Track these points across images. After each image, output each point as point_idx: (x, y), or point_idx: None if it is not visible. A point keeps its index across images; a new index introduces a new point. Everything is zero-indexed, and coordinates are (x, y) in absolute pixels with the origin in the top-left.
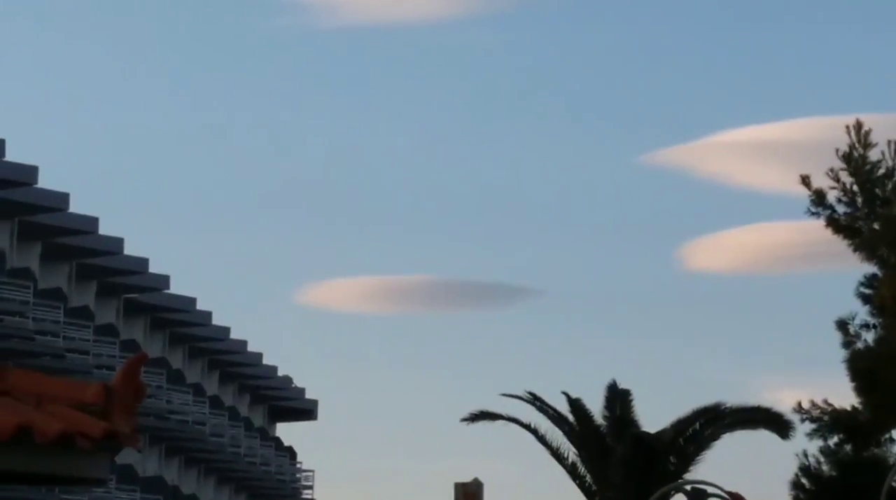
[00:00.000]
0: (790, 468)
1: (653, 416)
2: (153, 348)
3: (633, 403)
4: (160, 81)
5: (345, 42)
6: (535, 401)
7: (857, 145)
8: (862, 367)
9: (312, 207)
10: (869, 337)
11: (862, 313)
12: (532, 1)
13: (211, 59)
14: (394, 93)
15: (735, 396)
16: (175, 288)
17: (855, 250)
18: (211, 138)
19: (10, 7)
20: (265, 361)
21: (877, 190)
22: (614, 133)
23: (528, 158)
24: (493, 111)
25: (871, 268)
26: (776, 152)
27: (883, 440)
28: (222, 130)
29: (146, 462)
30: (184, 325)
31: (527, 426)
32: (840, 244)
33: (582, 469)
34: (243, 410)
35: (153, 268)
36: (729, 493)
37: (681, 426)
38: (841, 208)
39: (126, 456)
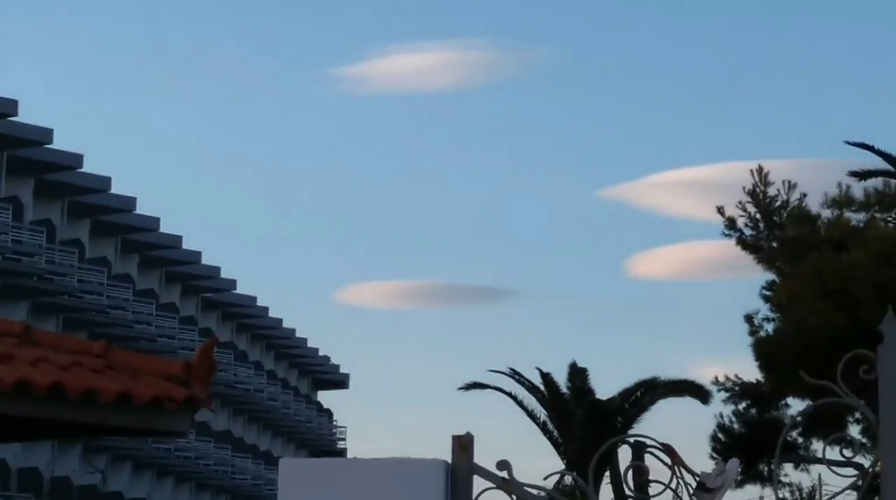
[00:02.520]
0: (709, 426)
1: (604, 386)
2: (224, 334)
3: (590, 377)
4: (218, 131)
5: (374, 106)
6: (515, 375)
7: (759, 184)
8: (764, 350)
9: (350, 229)
10: (769, 328)
11: (764, 309)
12: (520, 74)
13: (268, 115)
14: (412, 144)
15: (668, 371)
16: (241, 289)
17: (758, 263)
18: (278, 179)
19: None
20: (309, 344)
21: (774, 218)
22: (577, 174)
23: (512, 193)
24: (488, 158)
25: (770, 276)
26: (699, 189)
27: (779, 405)
28: (282, 173)
29: (218, 420)
30: (247, 317)
31: (508, 394)
32: (747, 259)
33: (551, 427)
34: (292, 380)
35: (224, 273)
36: (662, 444)
37: (626, 394)
38: (748, 231)
39: (203, 415)
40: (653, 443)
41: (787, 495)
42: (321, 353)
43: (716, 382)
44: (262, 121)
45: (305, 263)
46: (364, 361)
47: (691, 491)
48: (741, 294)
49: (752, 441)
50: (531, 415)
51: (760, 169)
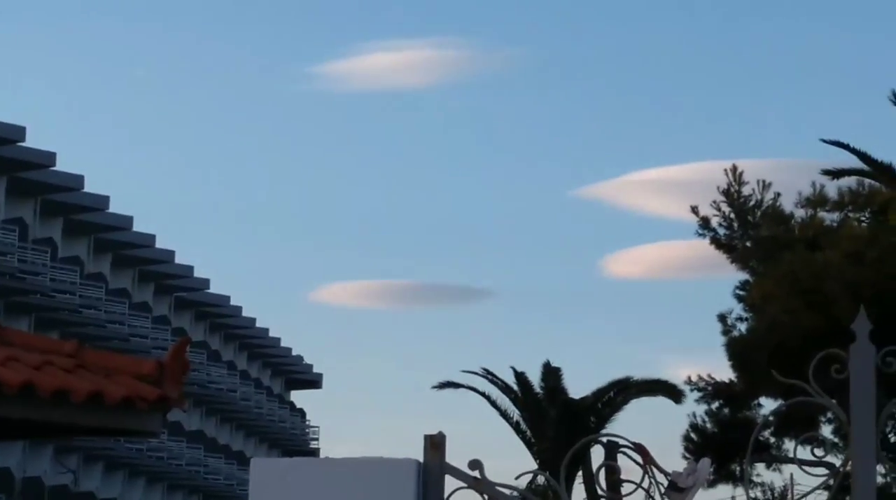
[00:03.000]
0: (682, 426)
1: (578, 386)
2: (196, 333)
3: (563, 376)
4: (194, 128)
5: (349, 104)
6: (489, 375)
7: (733, 183)
8: (737, 350)
9: (324, 228)
10: (742, 327)
11: (737, 309)
12: (496, 73)
13: (239, 112)
14: (391, 142)
15: (641, 371)
16: (214, 288)
17: (732, 262)
18: (253, 178)
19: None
20: (283, 343)
21: (748, 217)
22: (553, 173)
23: (489, 193)
24: (463, 157)
25: (744, 276)
26: (674, 188)
27: (752, 404)
28: (258, 171)
29: (191, 420)
30: (220, 316)
31: (482, 393)
32: (721, 258)
33: (524, 426)
34: (265, 380)
35: (197, 273)
36: (634, 443)
37: (599, 394)
38: (722, 231)
39: (175, 415)
40: (625, 443)
41: (759, 494)
42: (294, 353)
43: (689, 381)
44: (238, 119)
45: (279, 262)
46: (337, 361)
47: (663, 491)
48: (715, 294)
49: (724, 441)
50: (504, 415)
51: (735, 168)
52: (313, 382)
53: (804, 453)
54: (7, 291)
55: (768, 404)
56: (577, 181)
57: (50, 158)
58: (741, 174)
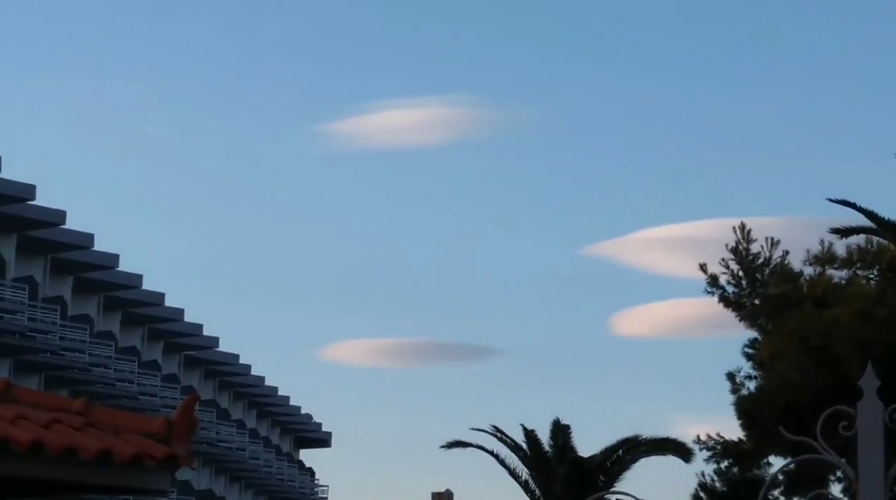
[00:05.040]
0: (691, 485)
1: (587, 444)
2: (206, 392)
3: (572, 434)
4: (208, 195)
5: (359, 162)
6: (497, 433)
7: (741, 241)
8: (746, 408)
9: (333, 286)
10: (751, 386)
11: (746, 367)
12: (506, 131)
13: (250, 172)
14: (398, 200)
15: (651, 429)
16: (223, 347)
17: (741, 320)
18: (263, 236)
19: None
20: (292, 402)
21: (757, 275)
22: (563, 231)
23: (499, 250)
24: (472, 214)
25: (752, 333)
26: (682, 246)
27: (761, 463)
28: (267, 230)
29: (199, 479)
30: (229, 374)
31: (490, 452)
32: (730, 316)
33: (533, 485)
34: (274, 439)
35: (207, 331)
36: None
37: (608, 452)
38: (730, 289)
39: (184, 474)
40: None
41: None
42: (304, 411)
43: (698, 440)
44: (247, 177)
45: (288, 321)
46: (347, 419)
47: None
48: (724, 352)
49: None
50: (513, 473)
51: (743, 226)
52: (322, 440)
53: None
54: (17, 349)
55: (778, 463)
56: (587, 239)
57: (60, 216)
58: (749, 232)
